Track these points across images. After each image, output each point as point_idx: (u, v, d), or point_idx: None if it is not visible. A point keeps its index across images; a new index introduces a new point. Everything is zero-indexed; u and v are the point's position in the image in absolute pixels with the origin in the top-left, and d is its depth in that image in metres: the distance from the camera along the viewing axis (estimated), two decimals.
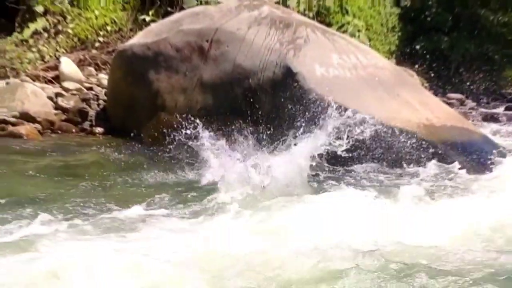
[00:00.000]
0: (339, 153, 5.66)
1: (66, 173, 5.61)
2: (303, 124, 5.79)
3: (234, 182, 4.96)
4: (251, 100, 6.92)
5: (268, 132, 6.69)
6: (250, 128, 6.69)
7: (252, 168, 5.04)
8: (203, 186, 5.28)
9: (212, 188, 5.00)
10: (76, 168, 5.96)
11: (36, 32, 9.50)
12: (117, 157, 6.68)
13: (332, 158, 5.94)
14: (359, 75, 6.91)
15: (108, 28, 10.02)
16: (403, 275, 3.02)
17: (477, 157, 6.16)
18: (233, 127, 6.84)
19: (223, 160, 5.43)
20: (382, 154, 6.18)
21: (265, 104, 6.89)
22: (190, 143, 5.60)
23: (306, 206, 4.26)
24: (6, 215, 4.06)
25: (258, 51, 7.02)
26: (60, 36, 9.68)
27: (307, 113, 6.37)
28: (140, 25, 10.00)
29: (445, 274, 3.02)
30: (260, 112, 6.89)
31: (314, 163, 5.43)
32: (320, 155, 5.51)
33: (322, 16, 10.17)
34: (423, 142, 6.27)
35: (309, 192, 4.80)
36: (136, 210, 4.37)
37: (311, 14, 9.57)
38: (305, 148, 5.36)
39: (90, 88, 9.00)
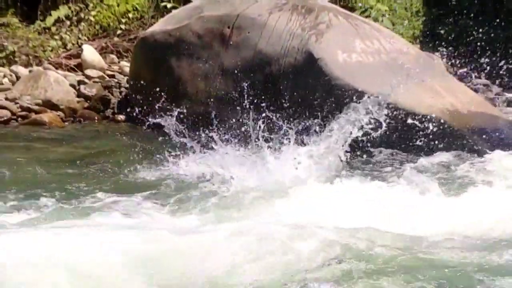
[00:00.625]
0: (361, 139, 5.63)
1: (86, 160, 5.64)
2: (327, 110, 5.72)
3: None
4: (273, 86, 6.87)
5: (291, 119, 6.67)
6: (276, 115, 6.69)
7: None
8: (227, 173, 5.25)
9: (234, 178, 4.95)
10: (96, 155, 5.99)
11: (58, 20, 9.53)
12: (138, 145, 6.68)
13: (353, 145, 5.90)
14: (383, 61, 6.81)
15: (130, 15, 10.02)
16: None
17: (503, 143, 6.03)
18: (254, 114, 6.83)
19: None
20: (405, 140, 6.08)
21: (286, 91, 6.83)
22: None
23: (339, 194, 4.22)
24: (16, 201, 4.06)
25: (280, 37, 6.95)
26: (82, 23, 9.70)
27: (330, 100, 6.32)
28: (162, 12, 9.97)
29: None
30: (281, 99, 6.83)
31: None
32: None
33: (345, 1, 10.04)
34: (448, 128, 6.16)
35: (338, 181, 4.71)
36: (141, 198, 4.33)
37: None
38: (336, 135, 5.29)
39: (112, 76, 9.02)
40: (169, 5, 9.92)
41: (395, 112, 6.24)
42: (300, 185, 4.56)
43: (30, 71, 8.46)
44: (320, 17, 7.10)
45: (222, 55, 7.26)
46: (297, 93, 6.75)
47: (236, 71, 7.12)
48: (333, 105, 6.51)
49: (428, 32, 11.86)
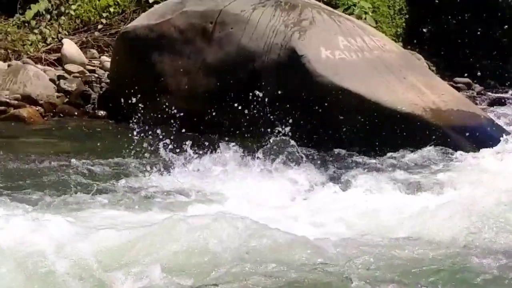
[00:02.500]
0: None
1: (65, 155, 5.53)
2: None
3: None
4: (255, 83, 6.82)
5: (271, 116, 6.64)
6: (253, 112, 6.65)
7: None
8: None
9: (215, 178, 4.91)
10: (76, 150, 5.90)
11: (38, 14, 9.36)
12: (117, 140, 6.60)
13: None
14: (366, 58, 6.79)
15: (111, 9, 9.89)
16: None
17: (485, 142, 6.05)
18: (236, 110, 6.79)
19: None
20: (387, 138, 6.07)
21: (269, 87, 6.78)
22: None
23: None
24: None
25: (263, 33, 6.90)
26: (63, 17, 9.55)
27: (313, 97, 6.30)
28: (144, 6, 9.85)
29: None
30: (264, 95, 6.79)
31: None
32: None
33: None
34: (430, 126, 6.17)
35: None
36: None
37: None
38: None
39: (93, 71, 8.91)
40: (151, 0, 9.81)
41: (377, 110, 6.26)
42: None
43: (8, 65, 8.31)
44: (304, 13, 7.06)
45: (205, 51, 7.20)
46: (280, 90, 6.70)
47: (218, 67, 7.06)
48: (316, 102, 6.51)
49: (411, 31, 11.90)
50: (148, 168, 5.32)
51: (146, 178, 4.94)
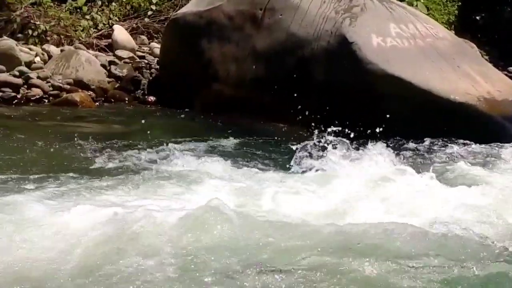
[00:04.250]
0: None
1: (115, 139, 5.60)
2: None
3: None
4: (304, 70, 6.78)
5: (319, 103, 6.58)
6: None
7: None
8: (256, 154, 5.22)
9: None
10: (125, 135, 5.97)
11: (90, 0, 9.52)
12: (166, 125, 6.70)
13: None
14: (418, 45, 6.66)
15: None
16: None
17: None
18: (285, 97, 6.76)
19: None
20: (440, 128, 5.94)
21: (318, 75, 6.73)
22: None
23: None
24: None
25: (313, 20, 6.84)
26: (113, 4, 9.68)
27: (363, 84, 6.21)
28: None
29: None
30: (312, 83, 6.74)
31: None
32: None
33: None
34: (483, 116, 6.02)
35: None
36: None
37: None
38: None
39: (143, 57, 9.01)
40: None
41: (429, 99, 6.13)
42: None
43: (61, 51, 8.48)
44: (355, 0, 6.96)
45: (254, 38, 7.18)
46: (329, 77, 6.64)
47: (267, 54, 7.04)
48: (365, 89, 6.42)
49: (463, 18, 11.60)
50: (197, 153, 5.36)
51: (197, 162, 4.97)
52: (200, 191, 3.90)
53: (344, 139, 4.84)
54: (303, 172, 4.50)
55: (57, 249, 2.79)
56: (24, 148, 5.15)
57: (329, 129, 4.93)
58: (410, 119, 6.22)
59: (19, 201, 3.41)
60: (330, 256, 2.75)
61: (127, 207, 3.32)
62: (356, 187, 3.97)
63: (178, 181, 4.13)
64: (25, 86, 7.50)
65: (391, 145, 5.54)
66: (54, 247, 2.80)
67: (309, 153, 4.80)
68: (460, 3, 11.77)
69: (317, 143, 4.90)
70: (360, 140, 6.12)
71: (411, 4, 9.28)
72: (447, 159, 5.03)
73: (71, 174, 4.28)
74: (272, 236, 2.95)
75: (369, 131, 6.17)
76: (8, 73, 7.51)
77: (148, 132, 6.18)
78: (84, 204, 3.32)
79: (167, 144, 5.51)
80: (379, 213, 3.46)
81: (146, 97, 8.02)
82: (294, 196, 3.85)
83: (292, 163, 4.68)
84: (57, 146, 5.24)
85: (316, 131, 4.98)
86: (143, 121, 6.71)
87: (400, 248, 2.85)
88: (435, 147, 5.67)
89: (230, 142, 5.88)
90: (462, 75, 6.42)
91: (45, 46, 8.49)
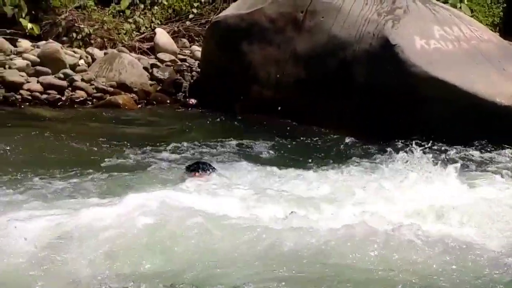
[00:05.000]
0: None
1: (156, 141, 5.68)
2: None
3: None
4: (346, 73, 6.74)
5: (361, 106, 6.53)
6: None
7: None
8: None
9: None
10: (167, 137, 6.04)
11: (132, 3, 9.65)
12: (206, 128, 6.74)
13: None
14: (462, 48, 6.54)
15: None
16: None
17: None
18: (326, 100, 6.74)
19: None
20: (485, 131, 5.83)
21: (360, 77, 6.68)
22: None
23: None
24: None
25: (355, 22, 6.79)
26: (156, 7, 9.79)
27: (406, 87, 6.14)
28: None
29: None
30: (354, 86, 6.70)
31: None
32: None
33: None
34: None
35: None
36: None
37: None
38: None
39: (184, 60, 9.09)
40: None
41: (473, 102, 6.03)
42: None
43: (105, 53, 8.63)
44: (397, 1, 6.89)
45: (295, 40, 7.17)
46: (371, 79, 6.59)
47: (308, 57, 7.02)
48: (408, 92, 6.35)
49: (508, 20, 11.34)
50: (235, 155, 5.40)
51: (237, 164, 4.99)
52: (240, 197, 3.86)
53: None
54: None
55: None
56: (68, 148, 5.28)
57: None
58: (453, 122, 6.13)
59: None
60: None
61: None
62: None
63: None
64: (70, 89, 7.65)
65: (435, 148, 5.46)
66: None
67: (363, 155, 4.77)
68: (505, 5, 11.52)
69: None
70: (401, 142, 6.10)
71: (454, 6, 9.12)
72: (494, 164, 4.91)
73: (113, 173, 4.38)
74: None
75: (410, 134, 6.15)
76: (53, 76, 7.67)
77: (189, 133, 6.27)
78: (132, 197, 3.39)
79: (207, 146, 5.58)
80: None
81: (187, 99, 8.08)
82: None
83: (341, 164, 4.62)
84: (100, 146, 5.35)
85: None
86: (183, 123, 6.80)
87: None
88: (481, 151, 5.55)
89: (271, 145, 5.90)
90: (508, 78, 6.28)
91: (89, 49, 8.64)
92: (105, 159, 4.92)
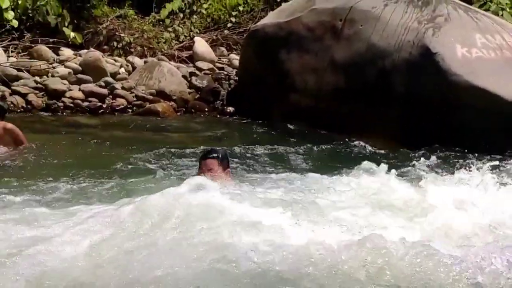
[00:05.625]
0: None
1: (196, 149, 5.71)
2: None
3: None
4: (385, 81, 6.69)
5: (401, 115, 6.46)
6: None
7: None
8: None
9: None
10: (200, 143, 6.07)
11: (172, 13, 9.78)
12: (243, 135, 6.77)
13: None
14: (505, 57, 6.42)
15: (241, 8, 10.13)
16: None
17: None
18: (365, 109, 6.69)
19: None
20: None
21: (399, 86, 6.62)
22: None
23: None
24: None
25: (394, 31, 6.74)
26: (195, 16, 9.91)
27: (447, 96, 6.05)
28: (272, 4, 10.00)
29: None
30: (393, 95, 6.64)
31: None
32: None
33: None
34: None
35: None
36: None
37: None
38: None
39: (222, 68, 9.15)
40: None
41: None
42: None
43: (145, 62, 8.76)
44: (438, 9, 6.81)
45: (333, 48, 7.15)
46: (411, 88, 6.52)
47: (347, 65, 6.99)
48: (449, 101, 6.26)
49: None
50: (266, 162, 5.40)
51: (267, 170, 4.99)
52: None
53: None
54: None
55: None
56: (108, 153, 5.38)
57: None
58: (495, 132, 6.02)
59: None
60: None
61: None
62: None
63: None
64: (110, 96, 7.79)
65: (478, 158, 5.36)
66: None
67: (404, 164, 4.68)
68: None
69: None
70: (442, 151, 6.02)
71: (496, 14, 8.96)
72: None
73: (148, 176, 4.46)
74: None
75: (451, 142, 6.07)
76: (94, 84, 7.82)
77: (224, 140, 6.31)
78: None
79: (241, 153, 5.61)
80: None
81: (225, 107, 8.13)
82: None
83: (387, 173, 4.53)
84: (139, 152, 5.42)
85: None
86: (220, 131, 6.86)
87: None
88: None
89: (305, 153, 5.87)
90: None
91: (129, 58, 8.78)
92: (143, 164, 5.02)
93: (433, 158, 5.71)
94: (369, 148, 6.30)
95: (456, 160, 5.73)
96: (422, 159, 5.66)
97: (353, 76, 6.92)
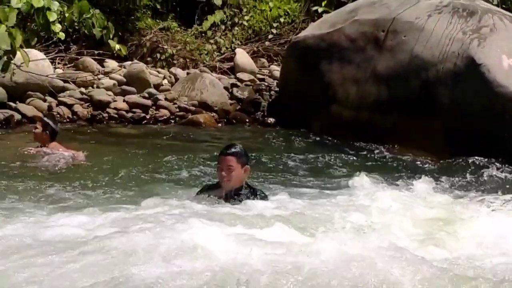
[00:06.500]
0: None
1: None
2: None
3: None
4: (428, 93, 6.61)
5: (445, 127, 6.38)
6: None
7: None
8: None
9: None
10: None
11: (214, 25, 9.89)
12: (282, 145, 6.79)
13: None
14: None
15: (281, 20, 10.15)
16: None
17: None
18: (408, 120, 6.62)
19: None
20: None
21: (443, 98, 6.54)
22: None
23: None
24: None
25: (438, 41, 6.67)
26: (236, 28, 9.99)
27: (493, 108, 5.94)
28: (313, 16, 10.00)
29: None
30: (437, 106, 6.56)
31: None
32: None
33: (508, 4, 9.40)
34: None
35: None
36: None
37: (495, 2, 8.87)
38: None
39: (262, 79, 9.19)
40: (320, 10, 9.92)
41: None
42: None
43: (187, 73, 8.86)
44: (483, 20, 6.71)
45: (375, 59, 7.11)
46: (455, 100, 6.43)
47: (389, 76, 6.94)
48: (495, 113, 6.15)
49: None
50: (303, 173, 5.40)
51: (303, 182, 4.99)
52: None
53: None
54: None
55: None
56: (151, 163, 5.46)
57: None
58: None
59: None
60: None
61: None
62: None
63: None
64: (154, 107, 7.90)
65: None
66: None
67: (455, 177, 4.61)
68: None
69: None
70: (488, 163, 5.90)
71: None
72: None
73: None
74: None
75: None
76: (138, 95, 7.95)
77: (264, 150, 6.33)
78: None
79: (278, 164, 5.62)
80: None
81: (266, 118, 8.16)
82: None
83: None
84: (181, 161, 5.50)
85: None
86: (260, 141, 6.90)
87: None
88: None
89: (346, 165, 5.84)
90: None
91: (172, 69, 8.90)
92: (183, 172, 5.13)
93: (478, 170, 5.63)
94: (411, 160, 6.24)
95: (501, 173, 5.64)
96: (467, 171, 5.59)
97: (396, 87, 6.87)
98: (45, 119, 5.59)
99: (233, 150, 3.82)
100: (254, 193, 3.85)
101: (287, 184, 4.99)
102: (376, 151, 6.58)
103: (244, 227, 3.14)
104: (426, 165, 6.06)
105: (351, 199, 4.24)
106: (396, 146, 6.65)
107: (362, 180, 4.67)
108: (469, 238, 3.36)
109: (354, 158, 6.24)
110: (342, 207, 3.88)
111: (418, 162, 6.16)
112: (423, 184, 4.76)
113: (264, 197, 3.89)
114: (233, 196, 3.79)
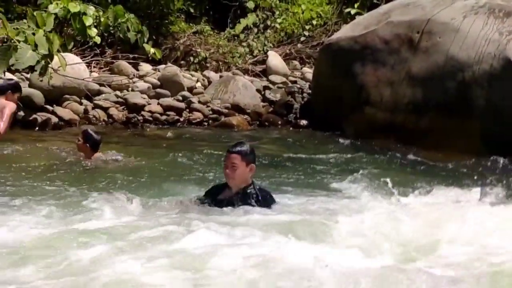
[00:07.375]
0: None
1: (266, 163, 5.74)
2: None
3: None
4: (464, 94, 6.53)
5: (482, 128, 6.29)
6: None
7: None
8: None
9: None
10: (271, 156, 6.11)
11: (246, 28, 9.94)
12: (313, 148, 6.74)
13: None
14: None
15: (314, 22, 10.15)
16: None
17: None
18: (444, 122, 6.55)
19: None
20: None
21: (479, 99, 6.45)
22: None
23: None
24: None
25: (474, 42, 6.58)
26: (269, 31, 10.02)
27: None
28: (345, 18, 9.96)
29: None
30: (474, 108, 6.47)
31: None
32: None
33: None
34: None
35: None
36: None
37: None
38: None
39: (295, 82, 9.18)
40: (353, 11, 9.89)
41: None
42: None
43: (220, 76, 8.92)
44: None
45: (410, 61, 7.05)
46: (492, 101, 6.34)
47: (424, 78, 6.87)
48: None
49: None
50: (332, 177, 5.35)
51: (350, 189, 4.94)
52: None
53: None
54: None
55: None
56: (185, 166, 5.52)
57: None
58: None
59: None
60: None
61: None
62: None
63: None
64: (187, 110, 7.97)
65: None
66: None
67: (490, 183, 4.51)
68: None
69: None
70: None
71: None
72: None
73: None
74: None
75: None
76: (172, 98, 8.03)
77: (296, 153, 6.32)
78: None
79: (309, 167, 5.59)
80: None
81: (298, 121, 8.15)
82: None
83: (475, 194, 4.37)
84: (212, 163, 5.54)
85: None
86: (292, 143, 6.91)
87: None
88: None
89: (380, 167, 5.76)
90: None
91: (205, 72, 8.97)
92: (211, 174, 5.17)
93: None
94: (447, 162, 6.14)
95: None
96: (505, 174, 5.48)
97: (431, 89, 6.80)
98: (88, 131, 5.64)
99: (238, 148, 3.82)
100: (262, 195, 3.80)
101: (315, 186, 4.94)
102: (411, 153, 6.48)
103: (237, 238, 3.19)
104: (463, 167, 5.96)
105: (381, 205, 4.17)
106: (431, 148, 6.55)
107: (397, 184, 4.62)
108: None
109: (387, 161, 6.17)
110: (366, 213, 3.75)
111: (454, 165, 6.04)
112: (459, 189, 4.67)
113: (272, 201, 3.84)
114: (242, 197, 3.77)
